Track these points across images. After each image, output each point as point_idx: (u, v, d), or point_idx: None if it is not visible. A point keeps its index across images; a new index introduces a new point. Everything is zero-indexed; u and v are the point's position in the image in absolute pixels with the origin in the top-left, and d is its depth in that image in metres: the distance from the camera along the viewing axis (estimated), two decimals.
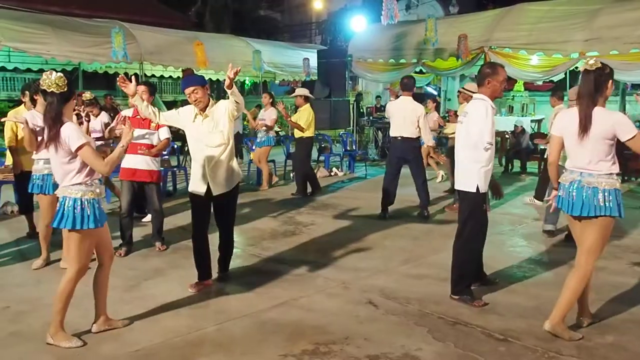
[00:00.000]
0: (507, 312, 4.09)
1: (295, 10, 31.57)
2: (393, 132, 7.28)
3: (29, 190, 5.11)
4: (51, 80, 3.37)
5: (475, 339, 3.66)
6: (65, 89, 3.41)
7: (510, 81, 11.43)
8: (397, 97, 8.47)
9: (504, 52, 10.52)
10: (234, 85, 4.19)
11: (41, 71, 14.22)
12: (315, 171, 10.85)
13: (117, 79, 4.31)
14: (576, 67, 11.01)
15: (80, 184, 3.45)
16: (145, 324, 3.88)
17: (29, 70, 14.60)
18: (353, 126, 13.62)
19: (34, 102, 5.08)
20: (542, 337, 3.65)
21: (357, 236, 6.31)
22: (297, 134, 8.85)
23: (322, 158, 11.38)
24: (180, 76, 16.10)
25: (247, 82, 17.64)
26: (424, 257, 5.50)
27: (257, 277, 4.88)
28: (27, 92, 5.74)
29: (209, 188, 4.43)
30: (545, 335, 3.67)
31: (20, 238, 6.11)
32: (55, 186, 4.38)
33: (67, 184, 3.47)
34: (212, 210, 4.60)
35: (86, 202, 3.44)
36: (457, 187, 4.36)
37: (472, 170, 4.16)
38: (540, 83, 12.80)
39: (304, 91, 9.13)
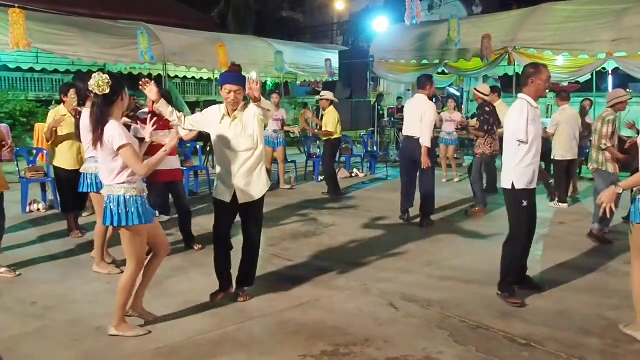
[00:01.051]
0: (531, 316, 4.03)
1: (317, 11, 31.63)
2: (404, 131, 7.02)
3: (80, 189, 5.17)
4: (95, 82, 3.45)
5: (497, 344, 3.62)
6: (108, 91, 3.45)
7: None
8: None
9: (529, 52, 10.40)
10: (262, 97, 4.00)
11: (68, 72, 14.55)
12: (336, 172, 10.89)
13: (140, 82, 4.14)
14: (603, 68, 10.85)
15: (123, 182, 3.53)
16: (167, 322, 3.92)
17: (56, 71, 14.90)
18: (375, 127, 13.61)
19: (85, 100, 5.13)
20: (566, 342, 3.60)
21: (378, 237, 6.29)
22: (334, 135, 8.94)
23: (343, 159, 11.37)
24: (203, 77, 16.31)
25: (268, 82, 17.74)
26: (447, 260, 5.46)
27: (277, 277, 4.90)
28: (70, 91, 5.87)
29: (234, 195, 4.17)
30: (570, 341, 3.62)
31: (46, 235, 6.22)
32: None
33: (111, 182, 3.56)
34: (238, 216, 4.34)
35: (130, 200, 3.53)
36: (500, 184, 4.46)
37: (509, 167, 4.25)
38: (566, 84, 12.60)
39: (330, 94, 9.22)
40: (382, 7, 24.01)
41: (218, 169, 4.26)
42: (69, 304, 4.26)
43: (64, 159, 6.01)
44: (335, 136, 8.92)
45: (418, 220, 6.93)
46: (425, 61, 12.31)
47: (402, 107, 15.88)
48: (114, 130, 3.44)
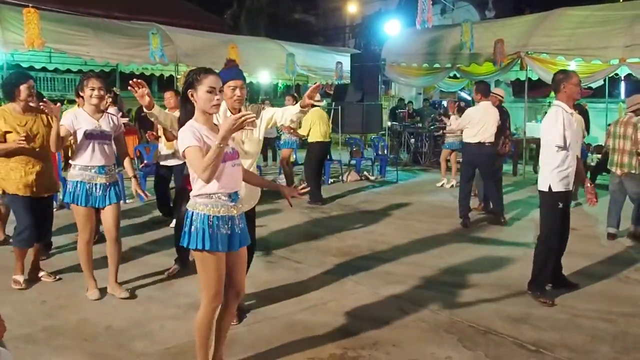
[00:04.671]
0: (541, 322, 4.01)
1: (330, 13, 31.64)
2: (474, 138, 7.01)
3: (63, 200, 5.14)
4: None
5: (506, 349, 3.59)
6: (184, 87, 2.89)
7: (547, 88, 11.24)
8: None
9: (541, 57, 10.35)
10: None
11: (80, 72, 14.63)
12: (346, 175, 10.87)
13: (130, 83, 3.56)
14: (616, 74, 10.77)
15: (199, 195, 2.84)
16: (176, 322, 3.93)
17: (68, 70, 14.98)
18: (386, 130, 13.59)
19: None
20: (576, 349, 3.57)
21: (388, 241, 6.27)
22: (308, 138, 8.73)
23: (353, 162, 11.37)
24: None
25: (279, 85, 17.77)
26: (457, 264, 5.43)
27: (286, 280, 4.90)
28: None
29: None
30: (580, 347, 3.59)
31: (57, 234, 6.23)
32: (87, 197, 4.25)
33: (192, 194, 2.88)
34: None
35: (207, 219, 2.81)
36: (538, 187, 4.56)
37: (546, 170, 4.41)
38: None
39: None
40: (394, 10, 23.96)
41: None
42: (79, 303, 4.29)
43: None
44: (313, 140, 8.55)
45: (442, 225, 7.01)
46: (437, 65, 12.29)
47: (414, 111, 16.00)
48: (181, 133, 2.78)
